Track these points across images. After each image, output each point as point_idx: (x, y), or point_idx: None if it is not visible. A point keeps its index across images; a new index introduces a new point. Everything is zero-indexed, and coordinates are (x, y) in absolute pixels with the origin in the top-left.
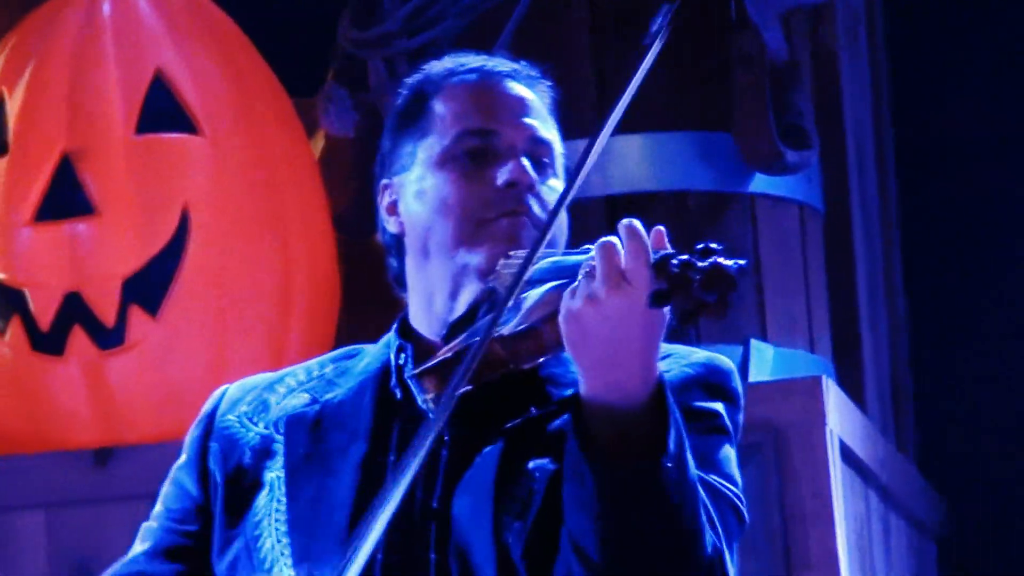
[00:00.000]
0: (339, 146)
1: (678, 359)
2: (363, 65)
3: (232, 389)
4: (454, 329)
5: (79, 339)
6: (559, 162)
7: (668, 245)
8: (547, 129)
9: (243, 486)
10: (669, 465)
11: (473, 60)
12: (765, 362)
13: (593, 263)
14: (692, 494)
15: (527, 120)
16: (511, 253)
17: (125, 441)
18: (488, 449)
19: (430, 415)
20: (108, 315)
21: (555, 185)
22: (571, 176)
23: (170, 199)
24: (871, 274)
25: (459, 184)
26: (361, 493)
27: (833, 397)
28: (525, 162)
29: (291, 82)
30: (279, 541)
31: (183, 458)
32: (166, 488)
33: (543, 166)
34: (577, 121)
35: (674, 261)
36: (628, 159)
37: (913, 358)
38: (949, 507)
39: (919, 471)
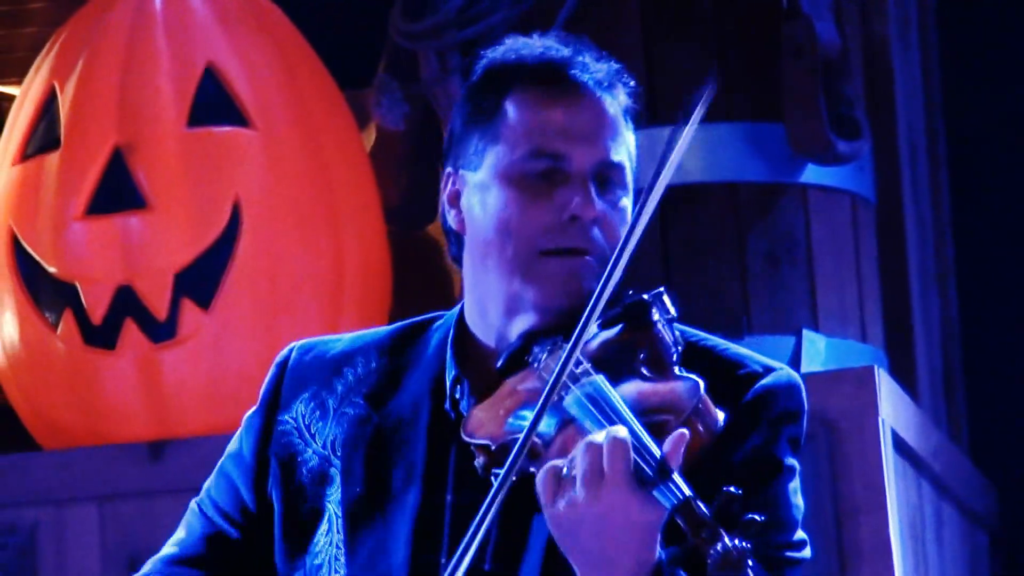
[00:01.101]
0: (391, 138)
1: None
2: (415, 57)
3: (295, 358)
4: (510, 363)
5: (131, 333)
6: (630, 177)
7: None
8: (618, 148)
9: (302, 512)
10: None
11: (545, 49)
12: (817, 352)
13: (574, 457)
14: None
15: (599, 143)
16: (559, 343)
17: (178, 434)
18: (536, 531)
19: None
20: (160, 308)
21: (624, 204)
22: (625, 237)
23: (221, 192)
24: (923, 264)
25: (522, 207)
26: (417, 544)
27: (885, 387)
28: (591, 193)
29: (342, 74)
30: None
31: (236, 446)
32: (214, 479)
33: (611, 186)
34: None
35: (688, 508)
36: (678, 150)
37: (965, 348)
38: (1001, 497)
39: (971, 461)
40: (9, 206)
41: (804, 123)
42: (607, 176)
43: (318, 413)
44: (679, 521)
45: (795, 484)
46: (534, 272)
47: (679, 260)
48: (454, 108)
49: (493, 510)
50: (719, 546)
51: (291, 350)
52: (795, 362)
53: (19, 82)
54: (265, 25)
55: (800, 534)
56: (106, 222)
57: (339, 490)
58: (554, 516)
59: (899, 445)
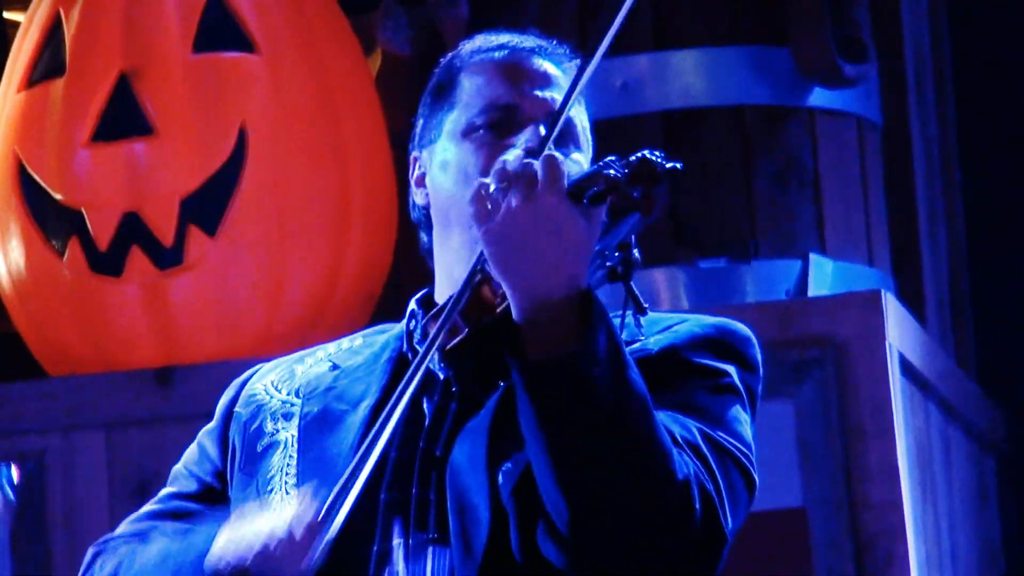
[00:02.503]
0: (396, 63)
1: (691, 321)
2: None
3: (264, 365)
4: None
5: (138, 259)
6: (583, 137)
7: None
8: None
9: (258, 448)
10: (598, 359)
11: (503, 38)
12: (824, 276)
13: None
14: (636, 407)
15: (549, 93)
16: None
17: (185, 361)
18: (492, 398)
19: (432, 362)
20: (166, 235)
21: (578, 159)
22: (566, 95)
23: (227, 118)
24: (930, 188)
25: (479, 154)
26: (366, 434)
27: (892, 311)
28: (543, 130)
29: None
30: (287, 494)
31: (211, 423)
32: (191, 449)
33: (563, 139)
34: (632, 35)
35: (601, 164)
36: (685, 74)
37: (972, 271)
38: (1009, 420)
39: (979, 385)
40: (15, 133)
41: (811, 46)
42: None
43: (287, 376)
44: (612, 196)
45: (745, 417)
46: None
47: (685, 184)
48: (418, 107)
49: (430, 353)
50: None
51: (260, 364)
52: (802, 286)
53: (24, 9)
54: None
55: (743, 453)
56: (112, 149)
57: (297, 418)
58: (490, 231)
59: (906, 369)
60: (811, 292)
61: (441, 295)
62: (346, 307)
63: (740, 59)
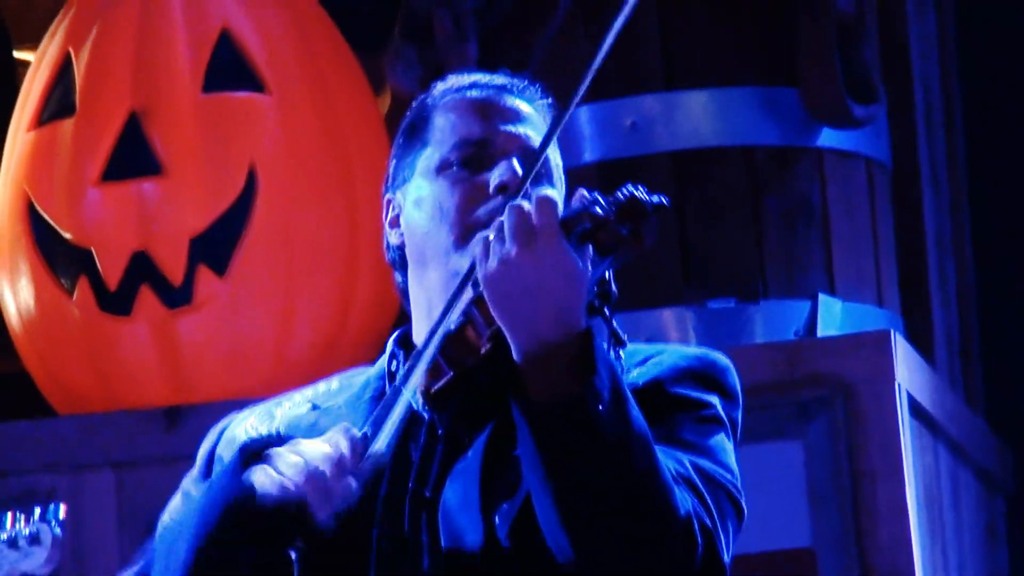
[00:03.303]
0: (406, 103)
1: (672, 353)
2: (430, 21)
3: (239, 413)
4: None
5: (147, 298)
6: (556, 173)
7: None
8: (540, 138)
9: None
10: (602, 398)
11: (474, 77)
12: (833, 317)
13: (501, 223)
14: (639, 441)
15: (521, 128)
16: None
17: (194, 400)
18: (479, 439)
19: (412, 402)
20: (176, 274)
21: (551, 194)
22: (546, 135)
23: (237, 157)
24: (939, 229)
25: (453, 190)
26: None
27: (902, 351)
28: (516, 164)
29: (357, 39)
30: None
31: (194, 471)
32: (175, 499)
33: (538, 176)
34: (642, 76)
35: (586, 201)
36: (694, 114)
37: (981, 312)
38: (1018, 460)
39: (988, 425)
40: (25, 172)
41: (820, 87)
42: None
43: (266, 417)
44: (601, 234)
45: (730, 447)
46: (469, 242)
47: (694, 224)
48: (391, 152)
49: (407, 384)
50: (629, 191)
51: (233, 414)
52: (811, 326)
53: (34, 48)
54: None
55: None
56: (121, 188)
57: None
58: (489, 277)
59: (915, 409)
60: (820, 332)
61: (419, 334)
62: (356, 345)
63: (749, 99)
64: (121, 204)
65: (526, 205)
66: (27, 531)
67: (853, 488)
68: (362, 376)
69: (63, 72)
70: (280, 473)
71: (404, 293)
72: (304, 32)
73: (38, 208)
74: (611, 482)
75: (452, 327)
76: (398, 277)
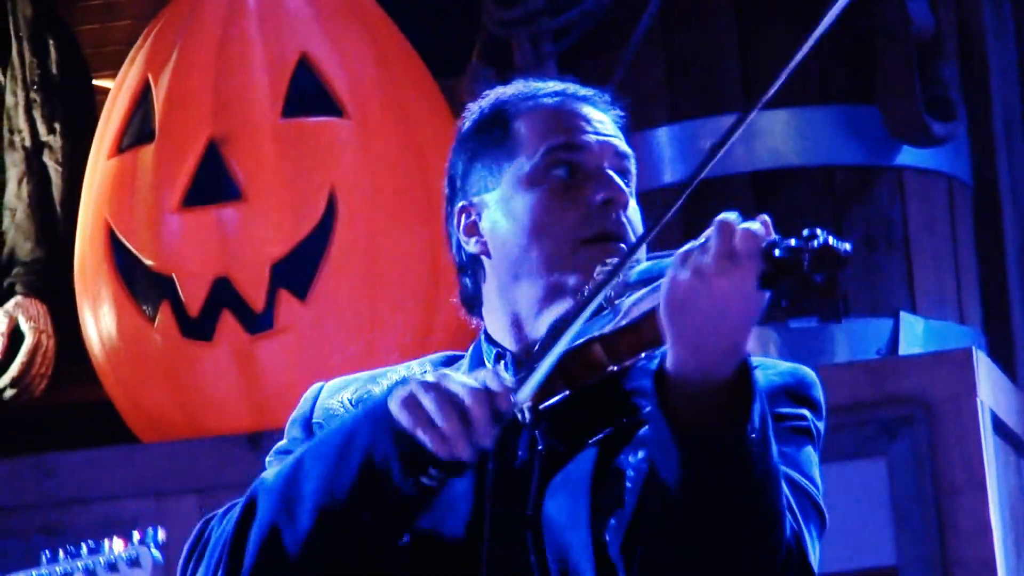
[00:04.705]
0: None
1: (765, 369)
2: (508, 44)
3: (331, 382)
4: (552, 334)
5: (228, 324)
6: (633, 181)
7: (773, 232)
8: (625, 144)
9: None
10: (753, 436)
11: (549, 85)
12: (915, 335)
13: (708, 237)
14: (775, 474)
15: (608, 138)
16: (607, 260)
17: (276, 425)
18: (581, 455)
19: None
20: (257, 300)
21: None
22: (699, 164)
23: (317, 182)
24: (1020, 244)
25: (553, 204)
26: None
27: (984, 369)
28: (617, 179)
29: (436, 63)
30: None
31: (284, 442)
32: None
33: (628, 176)
34: (722, 97)
35: (784, 244)
36: (774, 134)
37: None
38: None
39: None
40: (105, 199)
41: (899, 105)
42: (623, 168)
43: (364, 394)
44: (791, 241)
45: (816, 459)
46: (574, 261)
47: None
48: (451, 154)
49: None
50: (824, 240)
51: (323, 382)
52: (893, 344)
53: (114, 75)
54: (358, 14)
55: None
56: (202, 214)
57: None
58: (675, 283)
59: (998, 426)
60: (902, 351)
61: (505, 341)
62: None
63: (829, 119)
64: (202, 230)
65: (735, 222)
66: (126, 555)
67: (937, 506)
68: (456, 364)
69: (142, 99)
70: (423, 402)
71: (470, 299)
72: (383, 56)
73: (119, 235)
74: (742, 513)
75: (576, 344)
76: (467, 282)
